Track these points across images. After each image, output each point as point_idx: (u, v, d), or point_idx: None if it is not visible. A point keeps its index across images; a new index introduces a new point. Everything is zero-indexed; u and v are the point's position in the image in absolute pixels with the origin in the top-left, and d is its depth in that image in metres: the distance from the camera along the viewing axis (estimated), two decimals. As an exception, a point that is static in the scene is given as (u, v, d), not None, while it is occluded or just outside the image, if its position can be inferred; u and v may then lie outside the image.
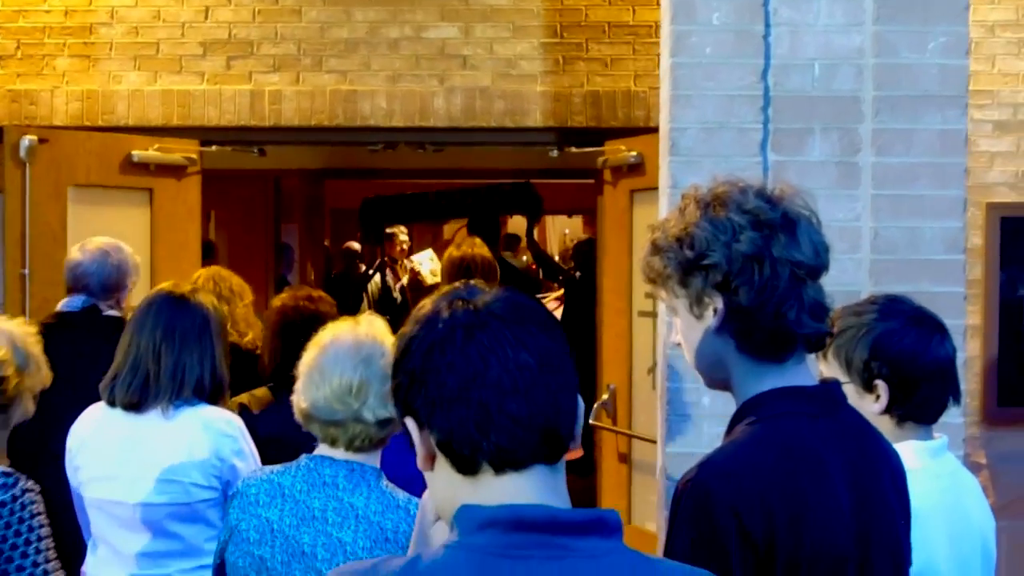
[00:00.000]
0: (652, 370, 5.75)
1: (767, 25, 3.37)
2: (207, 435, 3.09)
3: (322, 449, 2.58)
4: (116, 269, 4.17)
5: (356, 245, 10.83)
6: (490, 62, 6.08)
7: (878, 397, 2.42)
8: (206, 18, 6.09)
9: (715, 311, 1.91)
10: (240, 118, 6.07)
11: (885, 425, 2.39)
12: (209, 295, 3.38)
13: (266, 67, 6.08)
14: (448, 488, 1.49)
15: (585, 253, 8.95)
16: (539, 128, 6.11)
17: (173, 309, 3.17)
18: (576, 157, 6.23)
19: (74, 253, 4.21)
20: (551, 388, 1.45)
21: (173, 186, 5.96)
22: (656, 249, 1.97)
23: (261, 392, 3.79)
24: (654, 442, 5.74)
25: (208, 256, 7.01)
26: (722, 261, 1.88)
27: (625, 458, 6.02)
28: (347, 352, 2.54)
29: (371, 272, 10.10)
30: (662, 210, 3.54)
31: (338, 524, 2.45)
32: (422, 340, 1.47)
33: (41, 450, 3.53)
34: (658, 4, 3.55)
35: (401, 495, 2.53)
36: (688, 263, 1.91)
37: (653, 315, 5.73)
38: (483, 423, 1.42)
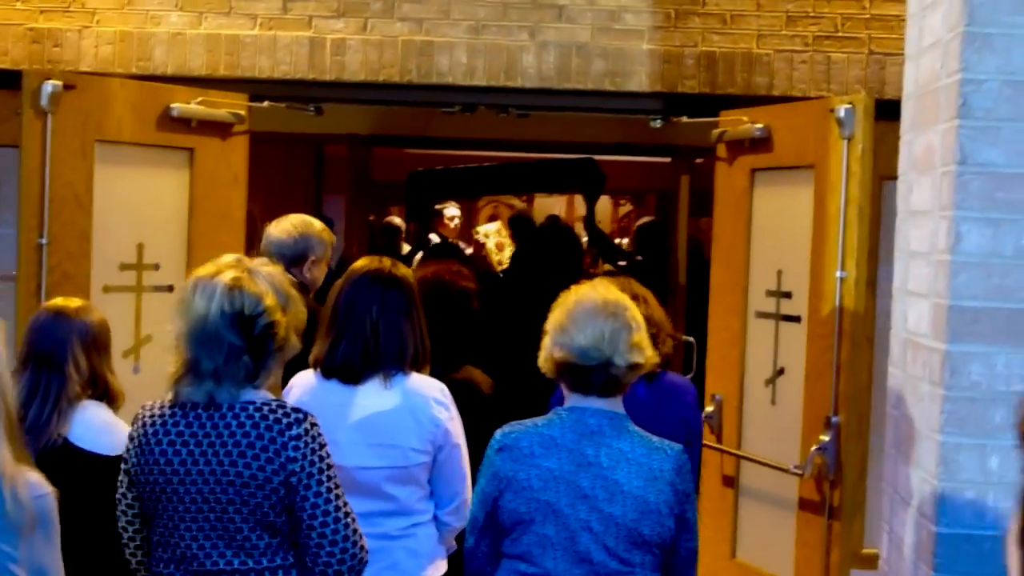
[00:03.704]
0: (771, 381, 4.92)
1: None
2: (423, 402, 3.29)
3: (573, 400, 2.87)
4: (299, 242, 4.49)
5: (398, 220, 9.97)
6: (590, 14, 5.27)
7: None
8: (260, -49, 5.25)
9: None
10: (296, 70, 5.28)
11: None
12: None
13: (329, 11, 5.27)
14: None
15: (648, 235, 8.24)
16: (644, 93, 5.29)
17: (383, 285, 3.34)
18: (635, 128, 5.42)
19: (270, 228, 4.57)
20: None
21: (217, 146, 5.14)
22: None
23: None
24: (767, 465, 4.95)
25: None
26: None
27: (731, 481, 5.20)
28: (595, 307, 2.83)
29: (412, 252, 9.20)
30: (939, 193, 2.58)
31: (612, 467, 2.77)
32: None
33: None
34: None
35: (654, 438, 2.86)
36: None
37: (775, 317, 4.90)
38: None
